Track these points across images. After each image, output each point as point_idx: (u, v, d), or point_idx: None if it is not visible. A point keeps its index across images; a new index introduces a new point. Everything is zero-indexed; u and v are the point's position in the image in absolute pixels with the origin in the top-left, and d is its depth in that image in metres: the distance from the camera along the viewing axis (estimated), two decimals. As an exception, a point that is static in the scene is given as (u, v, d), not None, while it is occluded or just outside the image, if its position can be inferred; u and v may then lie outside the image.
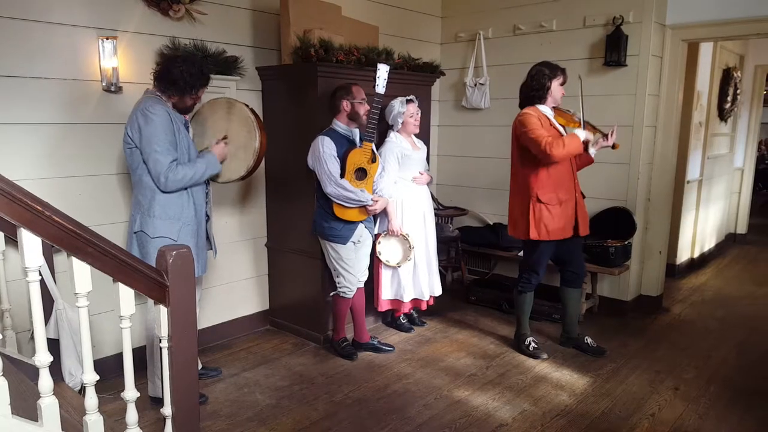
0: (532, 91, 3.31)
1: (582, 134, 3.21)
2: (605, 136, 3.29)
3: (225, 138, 2.93)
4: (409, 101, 3.66)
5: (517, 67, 4.60)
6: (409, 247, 3.66)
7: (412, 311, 4.09)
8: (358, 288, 3.52)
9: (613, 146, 3.32)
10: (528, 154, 3.27)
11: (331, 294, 3.55)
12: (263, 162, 3.14)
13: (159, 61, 2.99)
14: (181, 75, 2.64)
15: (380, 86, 3.26)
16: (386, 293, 3.85)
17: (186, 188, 2.73)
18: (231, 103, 2.95)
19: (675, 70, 4.16)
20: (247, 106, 2.95)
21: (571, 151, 3.16)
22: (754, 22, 3.78)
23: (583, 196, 3.48)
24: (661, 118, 4.22)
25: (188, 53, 3.14)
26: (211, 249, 3.06)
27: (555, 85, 3.29)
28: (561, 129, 3.32)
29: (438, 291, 3.97)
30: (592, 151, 3.33)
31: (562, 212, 3.30)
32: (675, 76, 4.18)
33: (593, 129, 3.35)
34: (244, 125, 2.90)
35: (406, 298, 3.82)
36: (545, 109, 3.33)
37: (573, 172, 3.38)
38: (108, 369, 2.87)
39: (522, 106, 3.38)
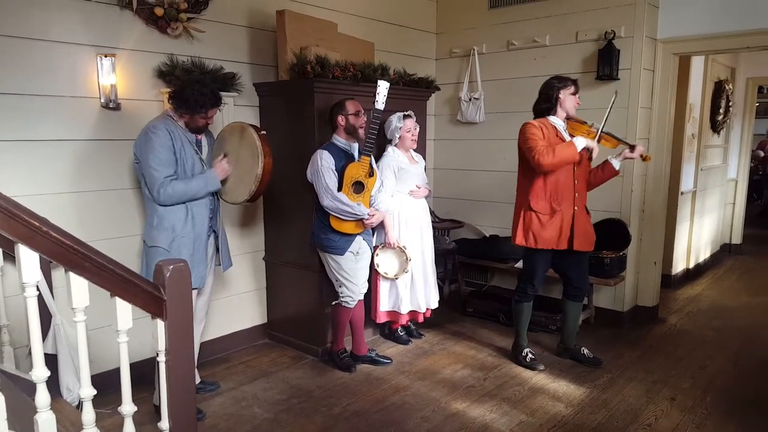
0: (543, 103, 3.33)
1: (582, 142, 3.16)
2: (631, 147, 3.30)
3: (225, 156, 2.99)
4: (406, 116, 3.70)
5: (511, 81, 4.68)
6: (406, 259, 3.69)
7: (409, 323, 4.10)
8: (358, 300, 3.54)
9: (644, 158, 3.32)
10: (526, 163, 3.30)
11: (333, 303, 3.57)
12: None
13: (176, 82, 3.11)
14: (193, 94, 2.75)
15: (380, 102, 3.31)
16: (384, 305, 3.86)
17: (183, 203, 2.81)
18: (243, 127, 3.01)
19: (667, 83, 4.22)
20: (257, 130, 2.99)
21: (563, 159, 3.13)
22: (744, 35, 3.84)
23: (587, 212, 3.45)
24: (653, 131, 4.28)
25: (201, 77, 3.19)
26: (220, 265, 3.12)
27: (565, 95, 3.28)
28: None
29: (435, 304, 3.99)
30: (615, 162, 3.36)
31: (554, 223, 3.30)
32: (667, 90, 4.24)
33: (615, 141, 3.32)
34: (250, 151, 2.96)
35: (404, 310, 3.83)
36: (555, 120, 3.32)
37: (575, 184, 3.32)
38: (107, 384, 2.87)
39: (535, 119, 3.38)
